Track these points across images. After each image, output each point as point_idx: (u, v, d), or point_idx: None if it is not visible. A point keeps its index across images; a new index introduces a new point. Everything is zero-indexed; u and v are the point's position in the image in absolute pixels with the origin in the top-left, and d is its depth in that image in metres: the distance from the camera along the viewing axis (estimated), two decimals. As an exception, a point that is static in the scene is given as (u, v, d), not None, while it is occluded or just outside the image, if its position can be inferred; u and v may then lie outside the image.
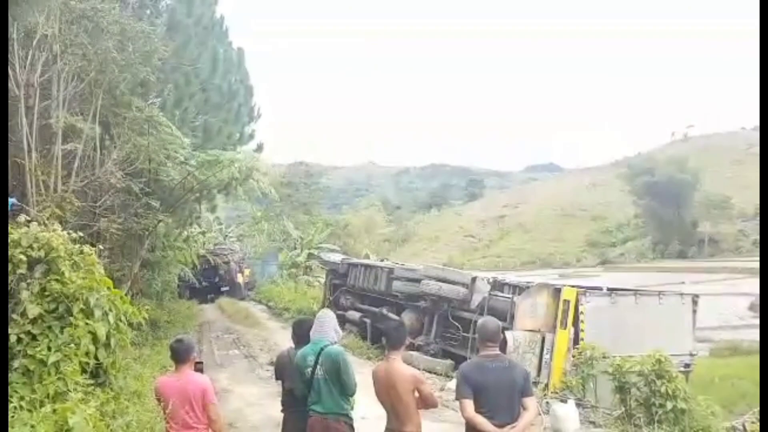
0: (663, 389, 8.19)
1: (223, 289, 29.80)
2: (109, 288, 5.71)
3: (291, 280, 31.38)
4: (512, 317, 10.88)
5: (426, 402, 4.77)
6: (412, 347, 12.87)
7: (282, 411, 5.55)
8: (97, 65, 10.45)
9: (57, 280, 5.22)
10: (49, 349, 4.89)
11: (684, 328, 11.27)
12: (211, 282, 28.87)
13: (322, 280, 22.82)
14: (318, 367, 4.98)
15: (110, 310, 5.52)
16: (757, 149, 72.66)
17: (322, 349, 5.02)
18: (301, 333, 5.54)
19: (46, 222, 6.42)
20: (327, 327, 5.21)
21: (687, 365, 10.95)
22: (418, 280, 13.76)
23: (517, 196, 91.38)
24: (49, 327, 5.07)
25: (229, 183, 13.57)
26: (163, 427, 5.20)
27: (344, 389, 4.95)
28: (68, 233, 5.71)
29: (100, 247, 6.59)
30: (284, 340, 13.12)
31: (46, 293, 5.19)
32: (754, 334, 21.04)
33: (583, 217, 73.33)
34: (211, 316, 23.36)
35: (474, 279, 13.07)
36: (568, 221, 73.18)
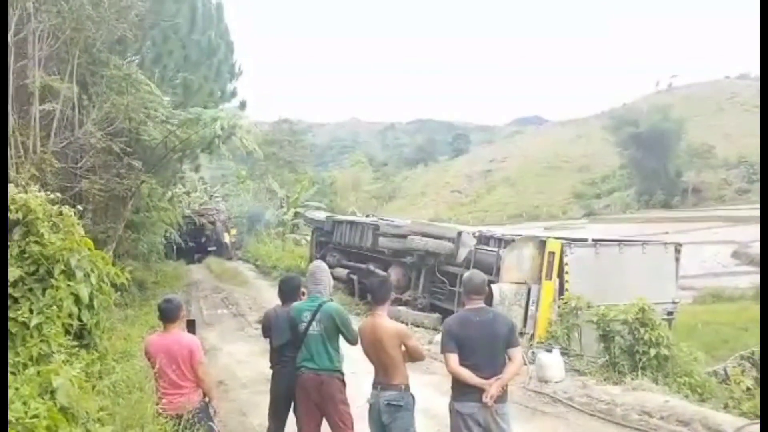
0: (646, 337, 8.32)
1: (210, 249, 29.75)
2: (90, 249, 5.65)
3: (278, 238, 31.38)
4: (498, 270, 10.94)
5: (412, 355, 4.79)
6: (399, 302, 12.98)
7: (270, 368, 5.58)
8: (72, 22, 10.17)
9: (36, 241, 5.14)
10: (30, 311, 4.84)
11: (667, 277, 11.41)
12: (197, 242, 28.77)
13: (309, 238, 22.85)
14: (314, 323, 4.97)
15: (92, 271, 5.46)
16: (739, 98, 73.11)
17: (320, 305, 5.02)
18: (288, 290, 5.54)
19: (25, 184, 6.31)
20: (324, 281, 5.20)
21: (670, 313, 11.12)
22: (404, 236, 13.77)
23: (503, 150, 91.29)
24: (30, 289, 5.02)
25: (211, 141, 13.38)
26: (153, 386, 5.21)
27: (347, 341, 4.99)
28: (46, 194, 5.61)
29: (80, 207, 6.49)
30: (272, 299, 13.13)
31: (26, 255, 5.12)
32: (736, 281, 21.48)
33: (568, 170, 73.56)
34: (199, 276, 23.38)
35: (460, 233, 13.12)
36: (553, 174, 73.41)
